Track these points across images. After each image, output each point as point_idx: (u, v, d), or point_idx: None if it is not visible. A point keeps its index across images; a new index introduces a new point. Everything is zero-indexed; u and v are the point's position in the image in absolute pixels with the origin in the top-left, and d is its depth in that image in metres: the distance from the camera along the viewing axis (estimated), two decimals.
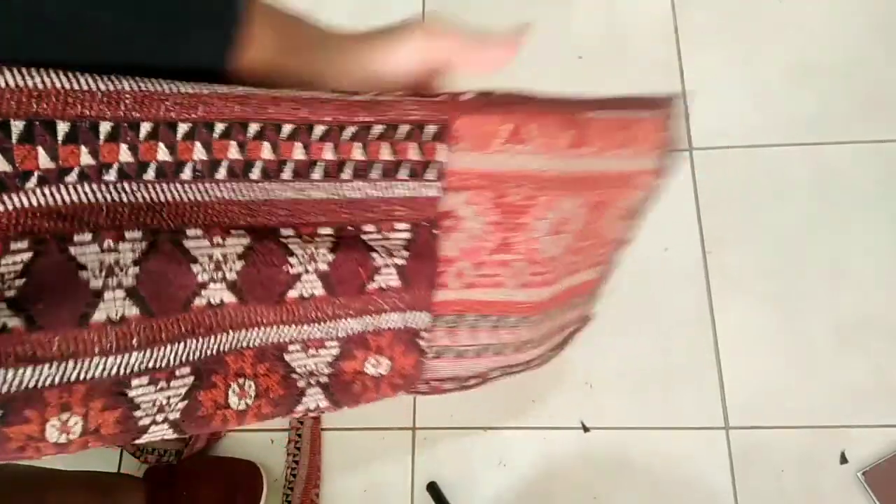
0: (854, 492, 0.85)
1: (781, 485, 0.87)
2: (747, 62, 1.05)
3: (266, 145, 0.31)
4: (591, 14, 1.11)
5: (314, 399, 0.37)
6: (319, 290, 0.34)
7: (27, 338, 0.26)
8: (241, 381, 0.33)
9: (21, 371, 0.26)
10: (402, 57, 0.34)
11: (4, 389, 0.26)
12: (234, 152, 0.30)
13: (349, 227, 0.35)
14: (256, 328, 0.33)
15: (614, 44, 1.09)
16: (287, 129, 0.31)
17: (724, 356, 0.92)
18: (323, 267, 0.34)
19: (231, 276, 0.31)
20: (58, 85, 0.25)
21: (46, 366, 0.26)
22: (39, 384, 0.27)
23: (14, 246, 0.25)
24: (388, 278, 0.36)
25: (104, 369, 0.28)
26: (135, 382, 0.29)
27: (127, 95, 0.26)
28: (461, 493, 0.89)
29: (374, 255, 0.35)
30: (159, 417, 0.31)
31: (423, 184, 0.35)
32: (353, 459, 0.92)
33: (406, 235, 0.36)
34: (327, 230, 0.34)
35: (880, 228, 0.95)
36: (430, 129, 0.33)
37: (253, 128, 0.30)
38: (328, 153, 0.32)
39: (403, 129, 0.33)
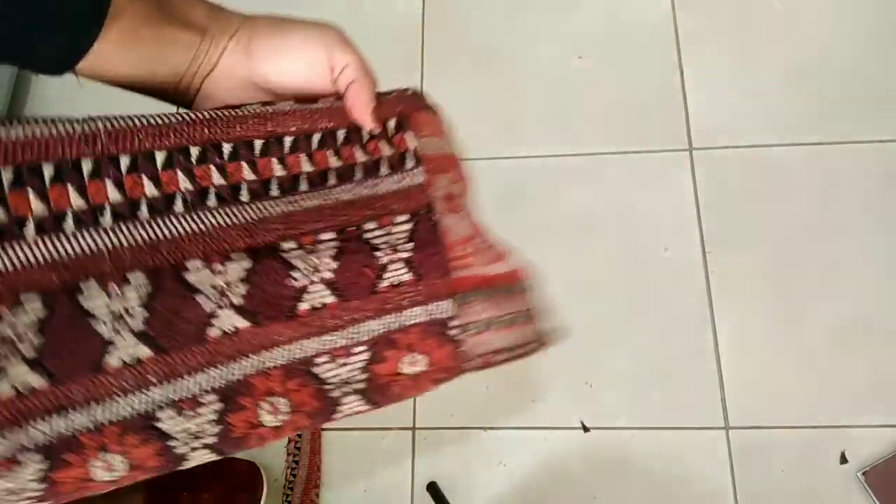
0: (854, 492, 0.85)
1: (781, 485, 0.87)
2: (747, 62, 1.05)
3: (244, 165, 0.32)
4: (591, 14, 1.11)
5: (351, 405, 0.36)
6: (330, 298, 0.34)
7: (51, 392, 0.27)
8: (271, 399, 0.33)
9: (53, 422, 0.28)
10: (311, 54, 0.34)
11: (43, 441, 0.27)
12: (216, 177, 0.31)
13: (350, 228, 0.35)
14: (277, 347, 0.33)
15: (614, 44, 1.09)
16: (258, 144, 0.33)
17: (725, 356, 0.92)
18: (328, 275, 0.34)
19: (237, 300, 0.32)
20: (37, 133, 0.27)
21: (75, 413, 0.28)
22: (73, 431, 0.28)
23: (27, 304, 0.27)
24: (399, 274, 0.36)
25: (130, 408, 0.30)
26: (162, 415, 0.30)
27: (102, 133, 0.29)
28: (461, 493, 0.89)
29: (379, 252, 0.35)
30: (196, 444, 0.32)
31: (406, 174, 0.36)
32: (353, 459, 0.92)
33: (408, 227, 0.36)
34: (329, 234, 0.34)
35: (880, 228, 0.95)
36: (391, 123, 0.36)
37: (227, 148, 0.32)
38: (305, 165, 0.34)
39: (316, 137, 0.34)
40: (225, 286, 0.31)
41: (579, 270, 0.96)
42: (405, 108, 0.36)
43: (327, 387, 0.35)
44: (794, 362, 0.91)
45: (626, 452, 0.90)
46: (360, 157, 0.35)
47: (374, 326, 0.36)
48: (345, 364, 0.35)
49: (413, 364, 0.37)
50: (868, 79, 1.02)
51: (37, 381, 0.27)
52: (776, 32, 1.06)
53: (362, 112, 0.35)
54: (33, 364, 0.27)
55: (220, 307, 0.31)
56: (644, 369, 0.92)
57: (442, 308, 0.37)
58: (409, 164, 0.36)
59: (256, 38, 0.34)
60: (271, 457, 0.92)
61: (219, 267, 0.31)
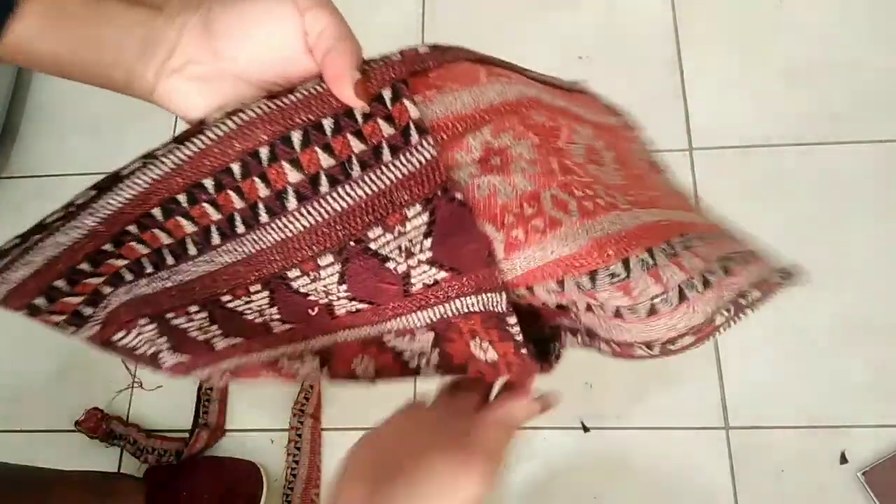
0: (854, 492, 0.85)
1: (781, 485, 0.87)
2: (747, 62, 1.05)
3: (231, 194, 0.29)
4: (591, 14, 1.11)
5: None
6: (362, 305, 0.34)
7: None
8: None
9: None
10: (279, 21, 0.28)
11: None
12: (212, 212, 0.30)
13: (351, 244, 0.30)
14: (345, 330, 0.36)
15: (614, 44, 1.09)
16: (237, 168, 0.29)
17: (724, 356, 0.92)
18: (343, 293, 0.32)
19: (274, 316, 0.35)
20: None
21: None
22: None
23: (192, 309, 0.35)
24: (428, 275, 0.32)
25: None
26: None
27: (97, 225, 0.31)
28: None
29: (390, 263, 0.31)
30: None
31: (412, 153, 0.29)
32: None
33: (423, 219, 0.30)
34: (328, 258, 0.31)
35: (880, 228, 0.95)
36: (386, 94, 0.29)
37: (209, 184, 0.29)
38: (291, 174, 0.29)
39: (296, 135, 0.29)
40: (259, 309, 0.34)
41: None
42: (401, 72, 0.29)
43: (520, 348, 0.35)
44: (794, 362, 0.91)
45: (626, 452, 0.90)
46: (357, 145, 0.29)
47: (425, 315, 0.34)
48: (412, 341, 0.36)
49: (485, 351, 0.35)
50: (868, 78, 1.02)
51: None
52: (776, 33, 1.06)
53: (343, 86, 0.27)
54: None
55: (270, 318, 0.35)
56: (644, 369, 0.92)
57: (494, 300, 0.32)
58: (414, 138, 0.29)
59: (214, 11, 0.28)
60: (271, 457, 0.92)
61: (245, 298, 0.34)
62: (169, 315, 0.34)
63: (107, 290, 0.32)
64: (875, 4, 1.05)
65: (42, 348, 1.03)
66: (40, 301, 0.31)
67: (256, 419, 0.95)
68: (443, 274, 0.32)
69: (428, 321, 0.35)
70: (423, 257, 0.31)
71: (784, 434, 0.88)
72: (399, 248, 0.31)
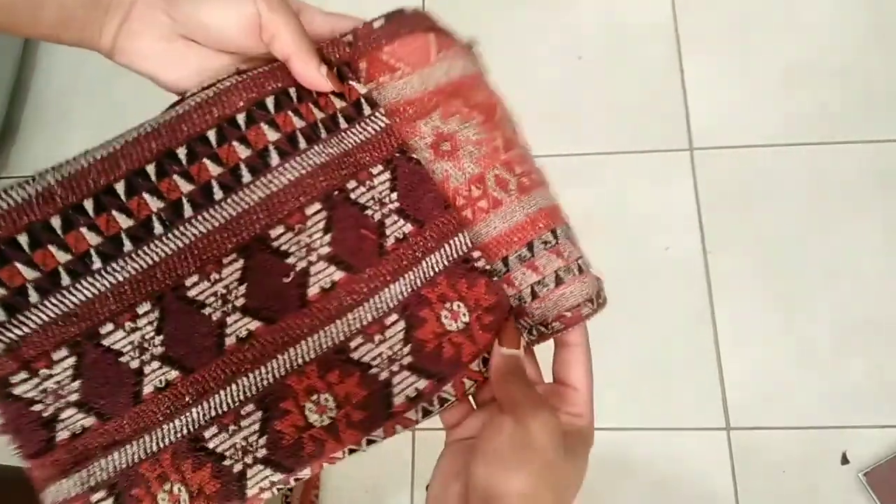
0: (855, 492, 0.85)
1: (782, 485, 0.86)
2: (747, 63, 1.05)
3: (207, 163, 0.30)
4: (591, 14, 1.11)
5: (408, 386, 0.32)
6: (338, 275, 0.32)
7: (104, 429, 0.29)
8: (314, 397, 0.32)
9: (111, 457, 0.30)
10: (237, 8, 0.29)
11: (105, 477, 0.29)
12: (184, 185, 0.30)
13: (336, 193, 0.33)
14: (301, 341, 0.32)
15: (614, 44, 1.08)
16: (212, 135, 0.30)
17: (725, 356, 0.92)
18: (325, 250, 0.32)
19: (240, 302, 0.31)
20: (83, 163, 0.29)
21: (128, 446, 0.30)
22: (131, 463, 0.30)
23: (56, 356, 0.29)
24: (399, 227, 0.33)
25: (175, 431, 0.30)
26: (207, 434, 0.31)
27: (55, 186, 0.29)
28: None
29: (368, 211, 0.33)
30: (249, 459, 0.31)
31: (367, 122, 0.33)
32: (353, 459, 0.92)
33: (386, 176, 0.33)
34: (315, 206, 0.32)
35: (879, 228, 0.95)
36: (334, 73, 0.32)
37: (181, 153, 0.30)
38: (270, 133, 0.31)
39: (269, 100, 0.32)
40: (226, 292, 0.31)
41: None
42: (347, 53, 0.32)
43: (373, 371, 0.32)
44: (794, 362, 0.91)
45: (626, 453, 0.89)
46: (318, 113, 0.32)
47: (398, 289, 0.33)
48: (382, 341, 0.33)
49: (455, 315, 0.33)
50: (868, 79, 1.02)
51: (89, 421, 0.29)
52: (775, 33, 1.06)
53: (318, 84, 0.31)
54: (80, 406, 0.29)
55: (227, 314, 0.31)
56: (645, 370, 0.92)
57: (457, 244, 0.34)
58: (367, 110, 0.33)
59: None
60: None
61: (215, 275, 0.31)
62: (105, 329, 0.30)
63: (32, 296, 0.29)
64: (875, 5, 1.05)
65: None
66: None
67: None
68: (410, 227, 0.33)
69: (399, 298, 0.33)
70: (392, 206, 0.33)
71: (785, 435, 0.88)
72: (373, 198, 0.33)
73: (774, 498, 0.86)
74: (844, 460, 0.86)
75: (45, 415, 0.29)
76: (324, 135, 0.32)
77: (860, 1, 1.06)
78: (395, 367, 0.32)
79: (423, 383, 0.32)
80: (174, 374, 0.30)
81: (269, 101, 0.31)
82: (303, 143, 0.32)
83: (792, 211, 0.97)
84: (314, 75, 0.31)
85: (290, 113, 0.32)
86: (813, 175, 0.98)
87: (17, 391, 0.29)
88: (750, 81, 1.04)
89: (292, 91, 0.32)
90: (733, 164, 1.00)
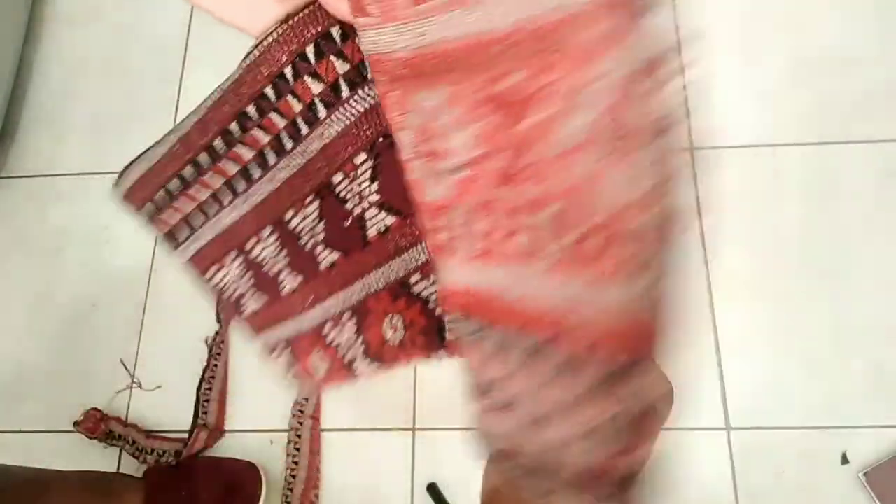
0: (855, 493, 0.85)
1: (782, 486, 0.86)
2: (748, 62, 1.05)
3: (274, 116, 0.35)
4: None
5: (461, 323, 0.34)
6: (390, 220, 0.36)
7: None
8: (390, 317, 0.37)
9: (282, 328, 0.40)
10: None
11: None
12: (261, 137, 0.35)
13: (380, 140, 0.34)
14: (371, 273, 0.37)
15: None
16: (269, 91, 0.34)
17: (726, 357, 0.92)
18: (374, 199, 0.36)
19: (320, 237, 0.37)
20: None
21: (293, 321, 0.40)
22: (300, 331, 0.40)
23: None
24: (380, 220, 0.36)
25: (310, 322, 0.40)
26: (325, 330, 0.39)
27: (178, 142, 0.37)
28: (461, 493, 0.89)
29: (348, 204, 0.36)
30: (352, 354, 0.39)
31: (347, 106, 0.34)
32: (353, 460, 0.92)
33: (369, 164, 0.35)
34: (362, 156, 0.35)
35: (881, 229, 0.95)
36: (309, 51, 0.32)
37: (251, 110, 0.35)
38: (314, 87, 0.33)
39: (310, 49, 0.33)
40: (311, 226, 0.37)
41: None
42: (321, 26, 0.31)
43: (430, 306, 0.37)
44: (795, 362, 0.91)
45: None
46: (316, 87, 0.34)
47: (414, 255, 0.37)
48: (434, 281, 0.36)
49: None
50: (869, 78, 1.02)
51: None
52: (777, 32, 1.06)
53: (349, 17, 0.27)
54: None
55: (316, 245, 0.38)
56: None
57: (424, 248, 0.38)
58: (345, 92, 0.32)
59: None
60: (271, 457, 0.92)
61: (304, 211, 0.37)
62: (249, 245, 0.38)
63: (199, 219, 0.38)
64: (881, 3, 1.05)
65: (41, 348, 1.03)
66: (157, 199, 0.38)
67: (256, 420, 0.95)
68: (391, 219, 0.36)
69: (382, 283, 0.38)
70: (372, 199, 0.37)
71: (785, 435, 0.88)
72: (351, 190, 0.37)
73: (774, 498, 0.86)
74: (844, 460, 0.86)
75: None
76: (369, 75, 0.32)
77: None
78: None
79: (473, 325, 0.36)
80: (299, 279, 0.39)
81: (310, 51, 0.32)
82: (345, 92, 0.33)
83: (793, 211, 0.97)
84: (344, 7, 0.28)
85: (332, 58, 0.32)
86: (814, 175, 0.98)
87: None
88: (751, 81, 1.04)
89: (335, 31, 0.31)
90: (734, 164, 1.00)
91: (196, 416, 0.94)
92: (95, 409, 0.96)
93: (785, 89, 1.03)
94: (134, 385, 0.99)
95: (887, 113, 0.99)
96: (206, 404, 0.94)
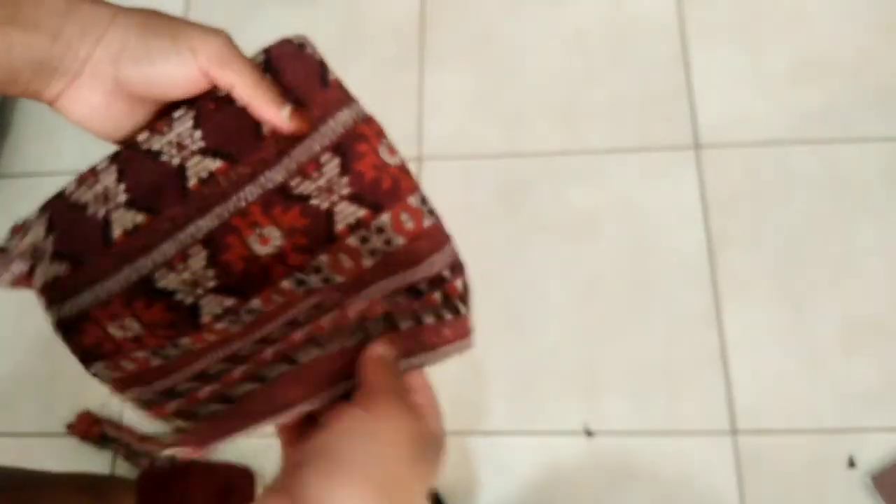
0: (863, 496, 0.84)
1: (789, 489, 0.85)
2: (754, 59, 1.04)
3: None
4: (595, 7, 1.09)
5: (349, 212, 0.35)
6: (215, 165, 0.35)
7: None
8: (258, 230, 0.35)
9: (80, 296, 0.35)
10: (178, 71, 0.31)
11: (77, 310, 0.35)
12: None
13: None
14: (248, 184, 0.35)
15: (619, 39, 1.07)
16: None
17: (731, 358, 0.90)
18: (199, 145, 0.35)
19: (199, 144, 0.35)
20: None
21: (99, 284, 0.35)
22: (92, 303, 0.35)
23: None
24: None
25: (129, 275, 0.35)
26: (157, 276, 0.35)
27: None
28: (462, 498, 0.88)
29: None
30: (199, 291, 0.35)
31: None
32: None
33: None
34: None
35: (889, 227, 0.94)
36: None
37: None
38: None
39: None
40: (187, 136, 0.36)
41: (583, 270, 0.95)
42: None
43: (313, 202, 0.35)
44: (802, 364, 0.89)
45: (630, 457, 0.88)
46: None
47: (334, 129, 0.35)
48: (320, 175, 0.35)
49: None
50: (875, 75, 1.00)
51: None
52: (783, 29, 1.05)
53: (281, 125, 0.33)
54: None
55: (192, 155, 0.35)
56: (649, 372, 0.91)
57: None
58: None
59: (124, 59, 0.30)
60: (266, 461, 0.91)
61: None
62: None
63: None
64: (883, 0, 1.04)
65: (34, 350, 1.01)
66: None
67: None
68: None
69: (336, 135, 0.35)
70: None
71: (792, 438, 0.87)
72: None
73: (781, 502, 0.85)
74: (852, 464, 0.85)
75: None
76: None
77: None
78: (334, 198, 0.35)
79: (362, 212, 0.35)
80: (140, 217, 0.36)
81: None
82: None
83: (799, 209, 0.96)
84: (275, 118, 0.32)
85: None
86: (821, 172, 0.97)
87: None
88: (757, 78, 1.02)
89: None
90: (740, 161, 0.99)
91: None
92: (88, 411, 0.94)
93: (791, 86, 1.01)
94: None
95: (895, 109, 0.98)
96: None
